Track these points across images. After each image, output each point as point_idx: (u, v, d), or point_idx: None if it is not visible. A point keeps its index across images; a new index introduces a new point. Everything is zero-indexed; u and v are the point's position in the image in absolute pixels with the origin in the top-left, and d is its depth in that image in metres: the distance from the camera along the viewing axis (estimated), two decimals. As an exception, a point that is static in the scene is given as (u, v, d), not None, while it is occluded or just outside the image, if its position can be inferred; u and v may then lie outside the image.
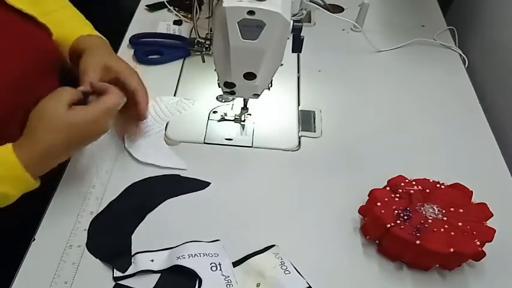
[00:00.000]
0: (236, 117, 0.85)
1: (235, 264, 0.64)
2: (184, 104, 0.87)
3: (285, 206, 0.72)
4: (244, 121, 0.85)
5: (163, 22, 1.06)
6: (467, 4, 1.20)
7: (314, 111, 0.88)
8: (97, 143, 0.78)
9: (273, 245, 0.66)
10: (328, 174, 0.77)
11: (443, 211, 0.64)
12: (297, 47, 0.68)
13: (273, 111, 0.87)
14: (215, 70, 0.72)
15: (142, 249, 0.65)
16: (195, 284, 0.61)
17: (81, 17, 0.83)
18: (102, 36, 0.79)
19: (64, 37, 0.77)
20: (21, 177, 0.60)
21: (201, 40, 0.81)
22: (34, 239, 0.66)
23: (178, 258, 0.62)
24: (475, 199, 0.68)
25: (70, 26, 0.78)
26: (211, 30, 0.70)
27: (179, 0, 1.10)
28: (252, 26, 0.62)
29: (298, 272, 0.63)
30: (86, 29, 0.78)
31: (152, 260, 0.63)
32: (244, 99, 0.81)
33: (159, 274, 0.62)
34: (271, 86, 0.74)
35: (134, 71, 0.74)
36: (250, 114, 0.85)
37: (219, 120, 0.85)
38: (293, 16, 1.03)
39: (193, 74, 0.95)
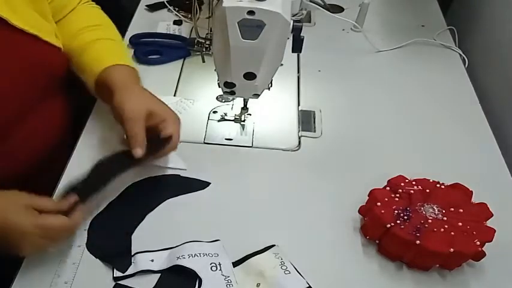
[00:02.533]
0: (236, 117, 0.85)
1: (235, 264, 0.64)
2: (184, 104, 0.87)
3: (285, 206, 0.72)
4: (244, 121, 0.85)
5: (163, 22, 1.07)
6: (467, 4, 1.20)
7: (314, 111, 0.88)
8: (97, 143, 0.78)
9: (273, 245, 0.66)
10: (328, 174, 0.77)
11: (443, 211, 0.64)
12: (297, 47, 0.68)
13: (273, 111, 0.87)
14: (215, 70, 0.72)
15: (142, 249, 0.65)
16: (195, 284, 0.61)
17: (113, 37, 0.80)
18: (130, 63, 0.76)
19: (88, 66, 0.75)
20: None
21: (201, 40, 0.81)
22: (34, 239, 0.66)
23: (178, 258, 0.62)
24: (475, 199, 0.68)
25: (96, 53, 0.76)
26: (211, 30, 0.70)
27: (179, 0, 1.11)
28: (252, 26, 0.62)
29: (298, 272, 0.63)
30: (113, 58, 0.75)
31: (152, 260, 0.63)
32: (244, 99, 0.81)
33: (159, 274, 0.62)
34: (271, 86, 0.74)
35: (177, 118, 0.72)
36: (250, 114, 0.85)
37: (219, 120, 0.85)
38: (293, 16, 1.03)
39: (193, 74, 0.95)
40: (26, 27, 0.68)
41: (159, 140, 0.69)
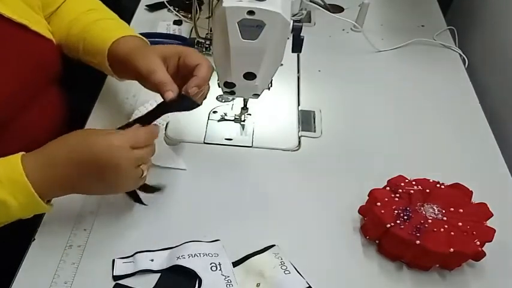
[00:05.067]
0: (236, 117, 0.85)
1: (235, 264, 0.64)
2: (184, 104, 0.87)
3: (285, 206, 0.72)
4: (244, 121, 0.85)
5: (163, 22, 1.06)
6: (467, 4, 1.20)
7: (314, 111, 0.88)
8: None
9: (273, 245, 0.66)
10: (328, 174, 0.77)
11: (443, 211, 0.64)
12: (297, 47, 0.68)
13: (273, 111, 0.87)
14: (215, 70, 0.72)
15: (142, 249, 0.65)
16: (195, 284, 0.61)
17: (112, 17, 0.80)
18: (138, 35, 0.75)
19: (95, 46, 0.73)
20: (20, 183, 0.55)
21: (201, 40, 0.81)
22: (34, 239, 0.66)
23: (178, 258, 0.62)
24: (475, 199, 0.68)
25: (100, 31, 0.74)
26: (211, 30, 0.70)
27: (179, 0, 1.11)
28: (252, 26, 0.62)
29: (298, 272, 0.63)
30: (118, 32, 0.73)
31: (152, 260, 0.63)
32: (244, 99, 0.81)
33: (159, 274, 0.62)
34: (271, 86, 0.74)
35: (193, 49, 0.69)
36: (250, 114, 0.85)
37: (219, 120, 0.85)
38: (293, 16, 1.03)
39: (193, 74, 0.94)
40: (14, 16, 0.67)
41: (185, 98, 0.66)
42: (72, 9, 0.79)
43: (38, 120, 0.75)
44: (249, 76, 0.69)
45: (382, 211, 0.64)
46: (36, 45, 0.72)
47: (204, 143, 0.81)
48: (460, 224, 0.62)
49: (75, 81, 0.81)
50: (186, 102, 0.66)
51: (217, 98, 0.89)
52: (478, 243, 0.61)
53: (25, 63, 0.70)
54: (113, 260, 0.64)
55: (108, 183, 0.60)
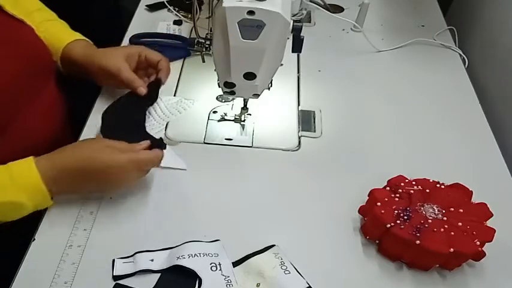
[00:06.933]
0: (236, 117, 0.85)
1: (235, 264, 0.64)
2: (184, 104, 0.87)
3: (285, 206, 0.72)
4: (244, 121, 0.85)
5: (163, 22, 1.07)
6: (467, 4, 1.20)
7: (314, 111, 0.88)
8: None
9: (273, 245, 0.66)
10: (328, 174, 0.77)
11: (443, 211, 0.64)
12: (297, 47, 0.68)
13: (273, 111, 0.87)
14: (215, 70, 0.72)
15: (142, 249, 0.65)
16: (195, 284, 0.61)
17: (57, 18, 0.84)
18: (83, 37, 0.83)
19: (50, 43, 0.78)
20: (38, 188, 0.62)
21: (201, 40, 0.81)
22: (34, 239, 0.66)
23: (178, 258, 0.62)
24: (475, 199, 0.68)
25: (54, 31, 0.80)
26: (211, 30, 0.70)
27: (179, 0, 1.11)
28: (252, 26, 0.62)
29: (298, 272, 0.63)
30: (68, 35, 0.81)
31: (152, 260, 0.63)
32: (244, 99, 0.81)
33: (159, 274, 0.62)
34: (271, 86, 0.74)
35: (148, 48, 0.82)
36: (250, 114, 0.85)
37: (219, 120, 0.85)
38: (293, 16, 1.03)
39: (193, 74, 0.95)
40: (14, 12, 0.69)
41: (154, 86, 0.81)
42: (24, 7, 0.81)
43: (37, 120, 0.76)
44: (249, 76, 0.70)
45: (382, 211, 0.64)
46: (35, 39, 0.74)
47: (204, 143, 0.81)
48: (460, 224, 0.62)
49: (74, 81, 0.81)
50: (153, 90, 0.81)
51: (217, 98, 0.89)
52: (478, 243, 0.61)
53: (25, 58, 0.71)
54: (113, 260, 0.64)
55: (113, 185, 0.68)
